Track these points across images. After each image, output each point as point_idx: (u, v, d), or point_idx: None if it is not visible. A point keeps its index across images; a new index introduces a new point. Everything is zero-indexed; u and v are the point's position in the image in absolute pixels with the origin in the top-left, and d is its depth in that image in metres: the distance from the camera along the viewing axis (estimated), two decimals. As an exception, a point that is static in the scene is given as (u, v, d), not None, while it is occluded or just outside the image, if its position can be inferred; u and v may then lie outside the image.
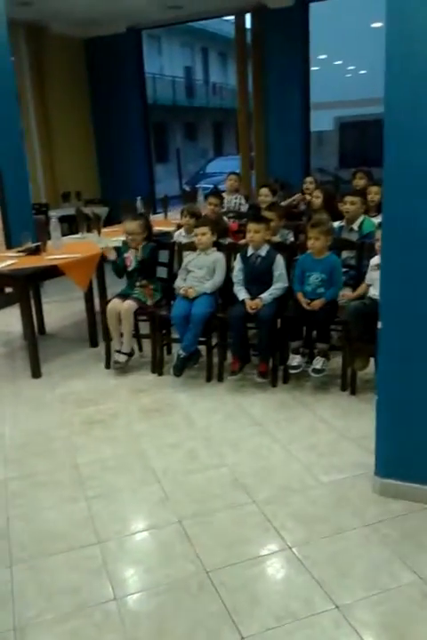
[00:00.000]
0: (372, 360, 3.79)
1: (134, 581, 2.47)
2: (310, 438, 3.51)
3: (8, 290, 6.46)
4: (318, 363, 4.04)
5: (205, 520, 2.81)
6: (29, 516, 2.95)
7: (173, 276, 4.76)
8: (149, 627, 2.22)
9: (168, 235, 5.72)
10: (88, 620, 2.26)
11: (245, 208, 6.47)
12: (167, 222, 6.46)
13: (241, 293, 4.23)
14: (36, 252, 5.01)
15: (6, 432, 3.83)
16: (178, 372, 4.31)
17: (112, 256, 4.83)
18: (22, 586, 2.47)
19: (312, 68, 9.44)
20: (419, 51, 2.39)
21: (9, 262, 4.77)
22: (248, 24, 9.40)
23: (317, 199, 5.56)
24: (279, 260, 4.22)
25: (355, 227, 4.63)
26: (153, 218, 7.18)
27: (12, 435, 3.80)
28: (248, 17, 9.30)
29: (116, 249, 4.90)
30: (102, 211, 8.18)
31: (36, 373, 4.65)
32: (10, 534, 2.80)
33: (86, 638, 2.18)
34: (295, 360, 4.08)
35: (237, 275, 4.32)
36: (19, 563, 2.61)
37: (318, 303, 3.99)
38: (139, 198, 7.09)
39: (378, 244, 3.58)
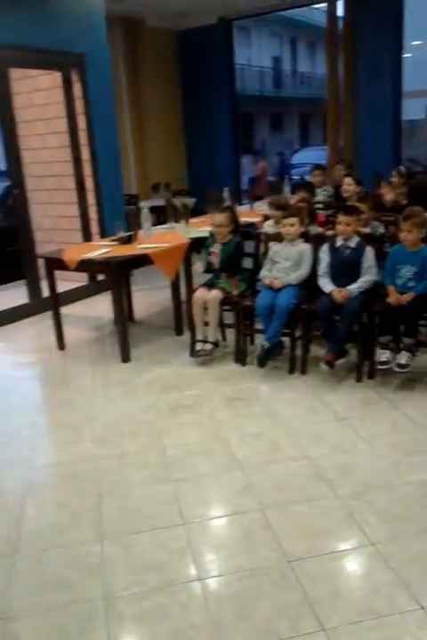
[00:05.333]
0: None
1: (217, 565, 2.54)
2: (395, 436, 3.44)
3: (100, 277, 6.76)
4: (403, 358, 3.93)
5: (286, 510, 2.84)
6: (119, 493, 3.09)
7: (258, 267, 4.79)
8: (232, 610, 2.28)
9: (254, 225, 5.75)
10: (174, 599, 2.35)
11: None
12: (253, 213, 6.48)
13: (327, 286, 4.19)
14: (128, 241, 5.18)
15: (98, 413, 4.02)
16: (261, 362, 4.33)
17: (200, 269, 5.03)
18: (111, 559, 2.60)
19: (405, 56, 9.13)
20: None
21: (103, 251, 4.96)
22: (340, 11, 9.20)
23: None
24: (369, 253, 4.14)
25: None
26: (239, 209, 7.24)
27: (103, 415, 3.98)
28: (340, 4, 9.11)
29: (203, 241, 4.98)
30: (190, 201, 8.30)
31: (126, 358, 4.83)
32: (101, 509, 2.95)
33: (173, 615, 2.27)
34: (384, 355, 3.98)
35: (324, 267, 4.28)
36: (108, 537, 2.75)
37: (406, 297, 3.89)
38: (226, 189, 7.15)
39: None
